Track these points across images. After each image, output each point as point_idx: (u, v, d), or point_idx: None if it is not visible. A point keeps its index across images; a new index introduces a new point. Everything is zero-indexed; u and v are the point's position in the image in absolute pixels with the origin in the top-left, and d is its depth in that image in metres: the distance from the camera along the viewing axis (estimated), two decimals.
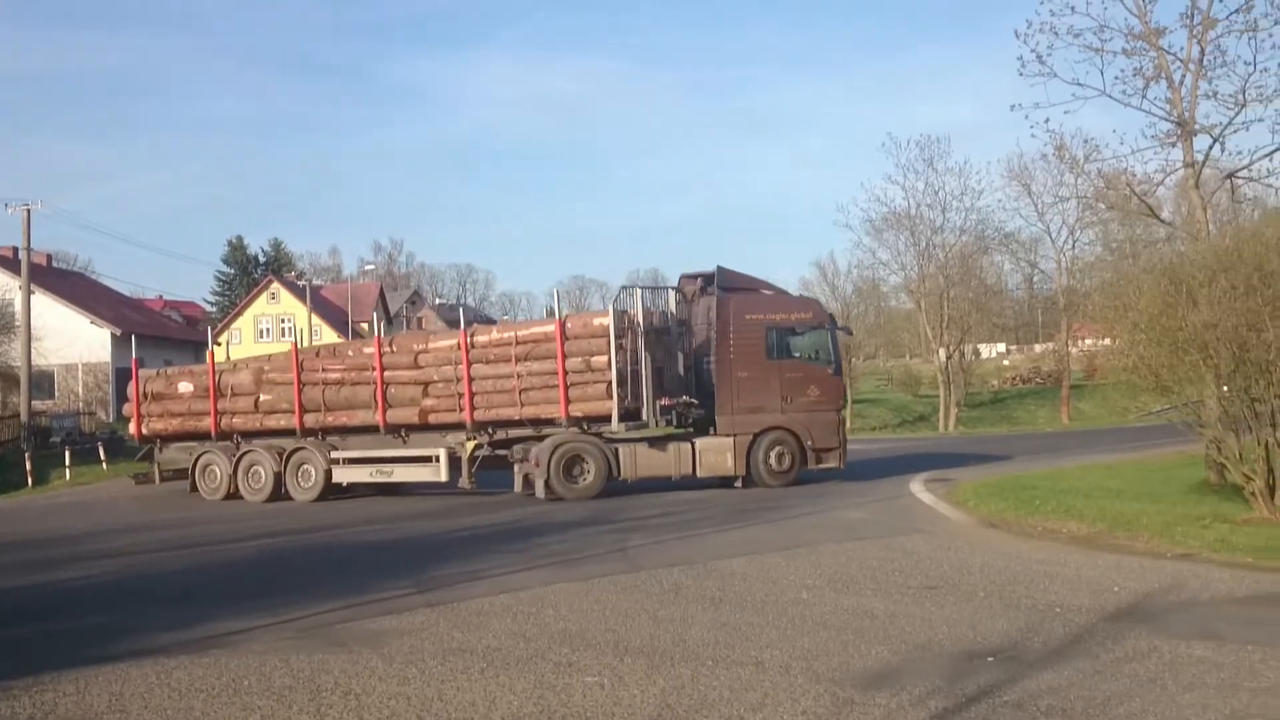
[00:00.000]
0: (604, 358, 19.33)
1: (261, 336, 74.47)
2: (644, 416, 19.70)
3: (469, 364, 20.32)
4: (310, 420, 21.74)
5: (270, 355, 24.72)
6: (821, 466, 20.48)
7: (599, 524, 15.26)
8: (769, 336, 20.48)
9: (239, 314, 77.76)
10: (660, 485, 20.39)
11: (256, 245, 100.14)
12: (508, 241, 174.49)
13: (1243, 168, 19.25)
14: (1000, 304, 62.86)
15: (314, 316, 67.02)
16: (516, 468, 20.09)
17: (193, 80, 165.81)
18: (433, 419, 20.85)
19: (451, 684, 6.69)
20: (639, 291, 21.27)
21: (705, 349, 20.80)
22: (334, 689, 6.64)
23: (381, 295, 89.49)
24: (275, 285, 78.18)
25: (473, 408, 20.24)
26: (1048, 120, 19.26)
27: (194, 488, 22.29)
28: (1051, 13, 18.52)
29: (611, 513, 16.61)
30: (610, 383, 19.29)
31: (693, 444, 20.11)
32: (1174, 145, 18.83)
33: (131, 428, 24.09)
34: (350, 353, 22.75)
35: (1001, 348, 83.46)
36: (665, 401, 19.91)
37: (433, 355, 21.08)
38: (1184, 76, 18.45)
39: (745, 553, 11.89)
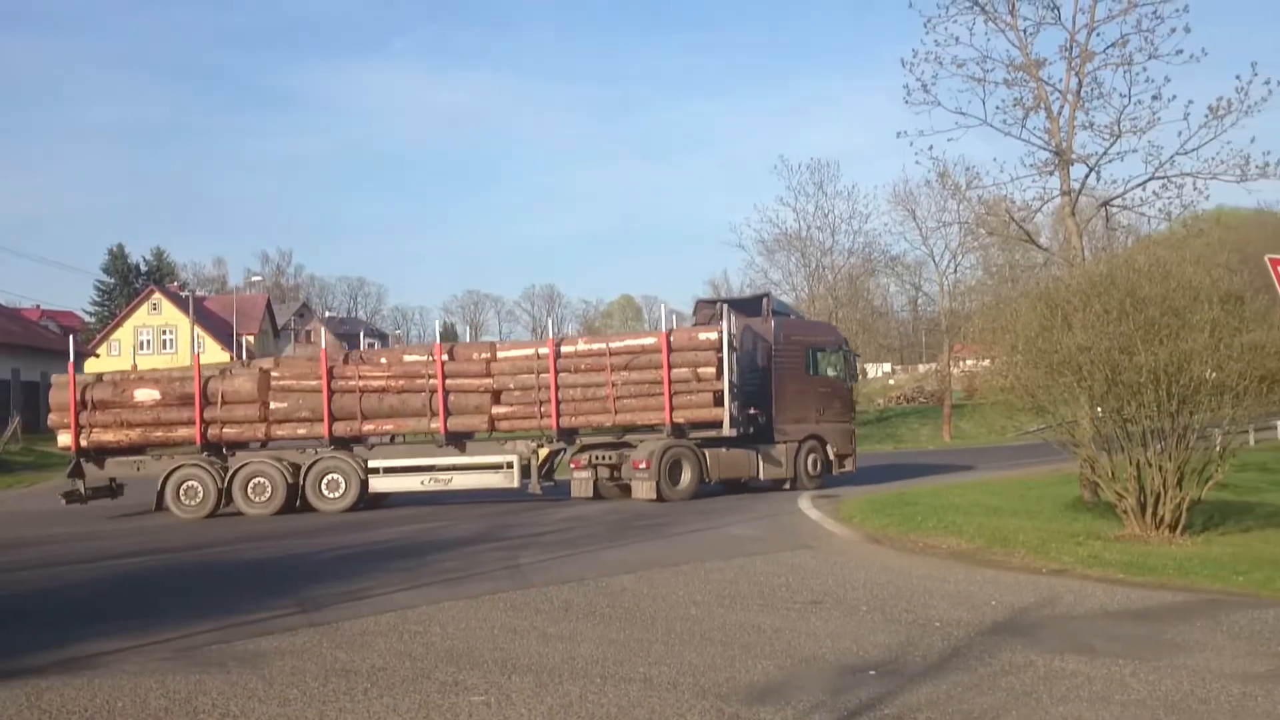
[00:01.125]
0: (712, 369, 20.60)
1: (142, 348, 72.34)
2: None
3: (556, 372, 20.78)
4: (341, 429, 20.98)
5: (276, 360, 23.52)
6: (841, 471, 23.31)
7: (489, 541, 15.14)
8: (807, 356, 23.19)
9: (118, 325, 75.46)
10: (550, 503, 20.81)
11: (138, 254, 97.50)
12: (401, 255, 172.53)
13: (1117, 196, 20.09)
14: (886, 325, 64.53)
15: (197, 328, 65.19)
16: (584, 473, 21.55)
17: (72, 84, 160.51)
18: (504, 426, 21.38)
19: (334, 705, 6.56)
20: (725, 308, 22.79)
21: (747, 364, 22.36)
22: (211, 710, 6.45)
23: (269, 307, 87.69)
24: (157, 296, 76.12)
25: (559, 414, 20.73)
26: (931, 147, 19.88)
27: (159, 505, 20.49)
28: (936, 43, 19.15)
29: (502, 529, 16.51)
30: (719, 391, 20.67)
31: (758, 450, 21.93)
32: (1052, 174, 19.60)
33: (64, 439, 21.34)
34: (391, 360, 22.39)
35: (887, 367, 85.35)
36: (752, 410, 21.78)
37: (508, 364, 21.36)
38: (1062, 107, 19.21)
39: (635, 569, 11.92)
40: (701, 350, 20.75)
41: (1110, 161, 19.34)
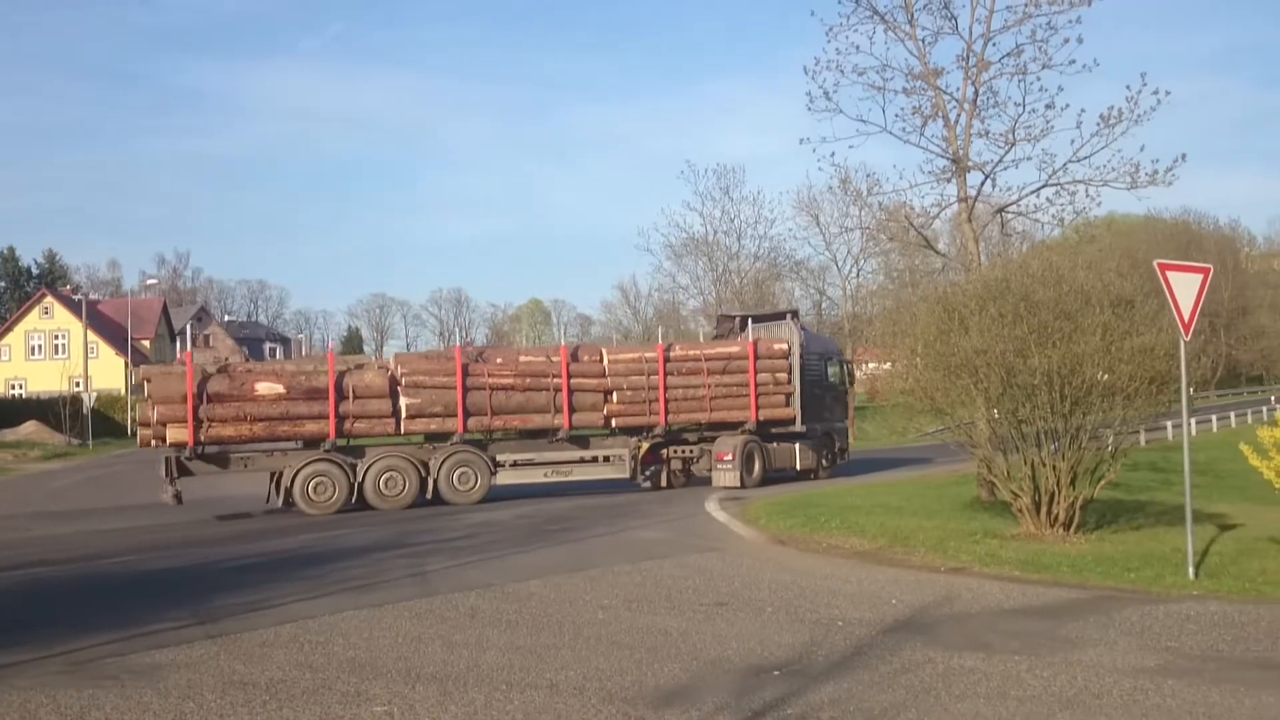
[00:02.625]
0: (785, 374, 24.54)
1: (33, 353, 69.97)
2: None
3: (665, 374, 23.16)
4: (473, 424, 21.84)
5: (397, 357, 23.29)
6: (840, 463, 26.74)
7: (396, 548, 14.93)
8: (822, 365, 26.25)
9: (9, 329, 72.80)
10: (461, 508, 20.72)
11: (29, 257, 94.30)
12: (304, 258, 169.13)
13: (1012, 203, 20.59)
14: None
15: (90, 332, 63.19)
16: (676, 464, 24.27)
17: None
18: (617, 423, 23.24)
19: (231, 718, 6.41)
20: (796, 323, 26.20)
21: None
22: None
23: (165, 311, 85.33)
24: (49, 299, 73.55)
25: (667, 412, 23.25)
26: (834, 154, 20.21)
27: (287, 502, 20.52)
28: (838, 51, 19.45)
29: (409, 536, 16.30)
30: (790, 394, 24.50)
31: (795, 445, 24.93)
32: (949, 180, 20.03)
33: (174, 434, 20.05)
34: (507, 360, 23.30)
35: None
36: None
37: (621, 365, 23.31)
38: (959, 116, 19.66)
39: (544, 574, 11.88)
40: (777, 358, 24.48)
41: (1005, 169, 19.87)
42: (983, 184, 20.08)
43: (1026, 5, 18.66)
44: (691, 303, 60.03)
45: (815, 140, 19.87)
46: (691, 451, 24.32)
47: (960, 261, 21.67)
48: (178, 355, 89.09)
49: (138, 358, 69.87)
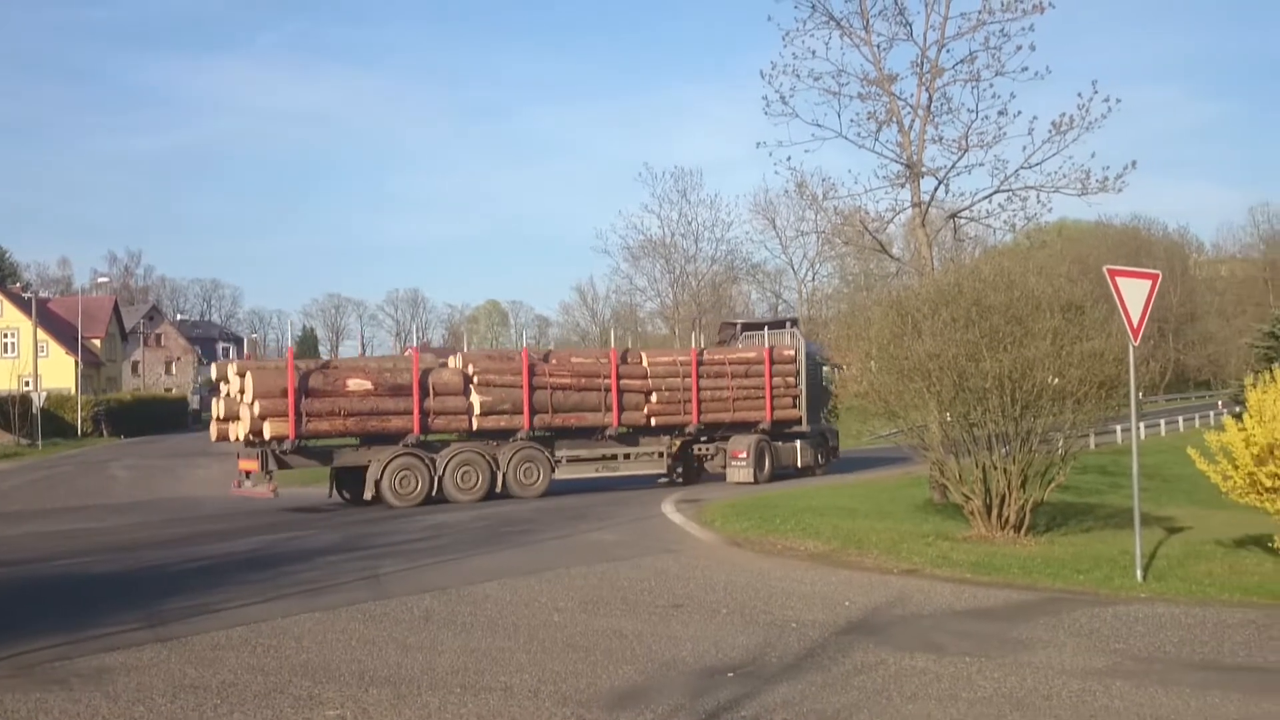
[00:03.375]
0: (793, 378, 26.37)
1: None
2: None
3: (698, 377, 24.90)
4: (537, 421, 23.17)
5: (465, 356, 23.96)
6: (834, 460, 28.35)
7: (350, 550, 14.83)
8: (818, 369, 27.42)
9: None
10: (417, 510, 20.64)
11: None
12: (258, 257, 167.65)
13: (965, 208, 20.85)
14: None
15: (40, 331, 62.09)
16: (705, 461, 25.97)
17: None
18: (655, 421, 24.79)
19: None
20: (798, 331, 28.63)
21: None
22: None
23: (116, 310, 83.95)
24: None
25: (699, 412, 24.97)
26: (790, 158, 20.29)
27: (376, 496, 21.23)
28: (794, 56, 19.60)
29: (364, 539, 16.19)
30: (798, 396, 26.36)
31: (797, 444, 26.40)
32: (903, 186, 20.24)
33: (275, 428, 20.51)
34: (571, 359, 25.07)
35: None
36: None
37: (660, 368, 25.09)
38: (913, 122, 19.87)
39: (499, 576, 11.85)
40: (787, 363, 26.39)
41: (958, 174, 20.11)
42: (936, 189, 20.36)
43: (980, 12, 18.94)
44: (649, 304, 60.29)
45: (772, 144, 20.04)
46: (706, 449, 25.89)
47: (914, 266, 21.89)
48: (129, 354, 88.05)
49: (88, 356, 68.89)
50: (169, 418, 65.82)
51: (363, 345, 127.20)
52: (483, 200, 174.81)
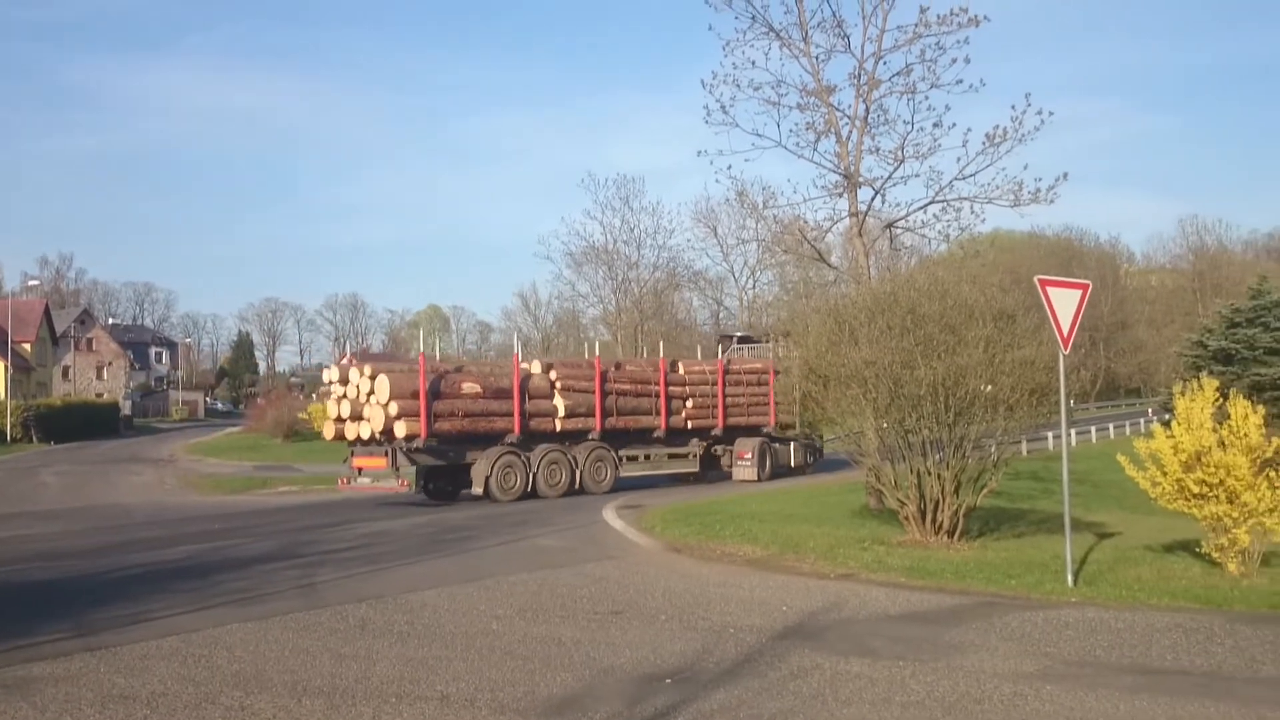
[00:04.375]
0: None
1: None
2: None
3: (724, 385, 27.90)
4: (607, 424, 25.45)
5: (544, 363, 26.18)
6: (820, 459, 30.64)
7: (285, 559, 14.63)
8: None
9: None
10: (356, 517, 20.34)
11: None
12: (193, 260, 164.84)
13: (900, 218, 21.12)
14: (690, 338, 65.68)
15: None
16: (723, 460, 28.20)
17: None
18: (691, 425, 27.50)
19: None
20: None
21: None
22: None
23: (47, 313, 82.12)
24: None
25: (725, 416, 27.80)
26: (730, 167, 20.51)
27: (486, 493, 23.02)
28: (735, 66, 19.77)
29: (300, 547, 15.98)
30: (795, 403, 27.17)
31: (791, 446, 28.92)
32: (841, 195, 20.46)
33: (408, 428, 22.26)
34: (626, 368, 27.33)
35: None
36: None
37: (693, 376, 27.91)
38: (850, 132, 20.10)
39: (437, 584, 11.77)
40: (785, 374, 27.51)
41: (895, 185, 20.36)
42: (873, 199, 20.57)
43: (916, 26, 19.18)
44: (591, 311, 60.26)
45: (713, 153, 20.22)
46: (717, 450, 28.26)
47: (852, 275, 22.13)
48: (59, 359, 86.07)
49: (18, 361, 67.28)
50: (100, 423, 64.58)
51: (300, 351, 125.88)
52: (424, 205, 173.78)
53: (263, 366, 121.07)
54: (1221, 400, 11.98)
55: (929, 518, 14.30)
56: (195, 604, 10.80)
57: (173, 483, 33.87)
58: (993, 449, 14.60)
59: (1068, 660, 8.07)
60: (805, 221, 21.61)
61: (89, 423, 61.72)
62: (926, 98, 19.23)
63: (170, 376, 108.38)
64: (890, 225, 21.78)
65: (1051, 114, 18.81)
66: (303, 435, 52.59)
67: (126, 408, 78.67)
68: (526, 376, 24.50)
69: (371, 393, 22.63)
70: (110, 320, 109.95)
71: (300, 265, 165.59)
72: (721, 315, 67.67)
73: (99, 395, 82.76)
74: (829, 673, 7.62)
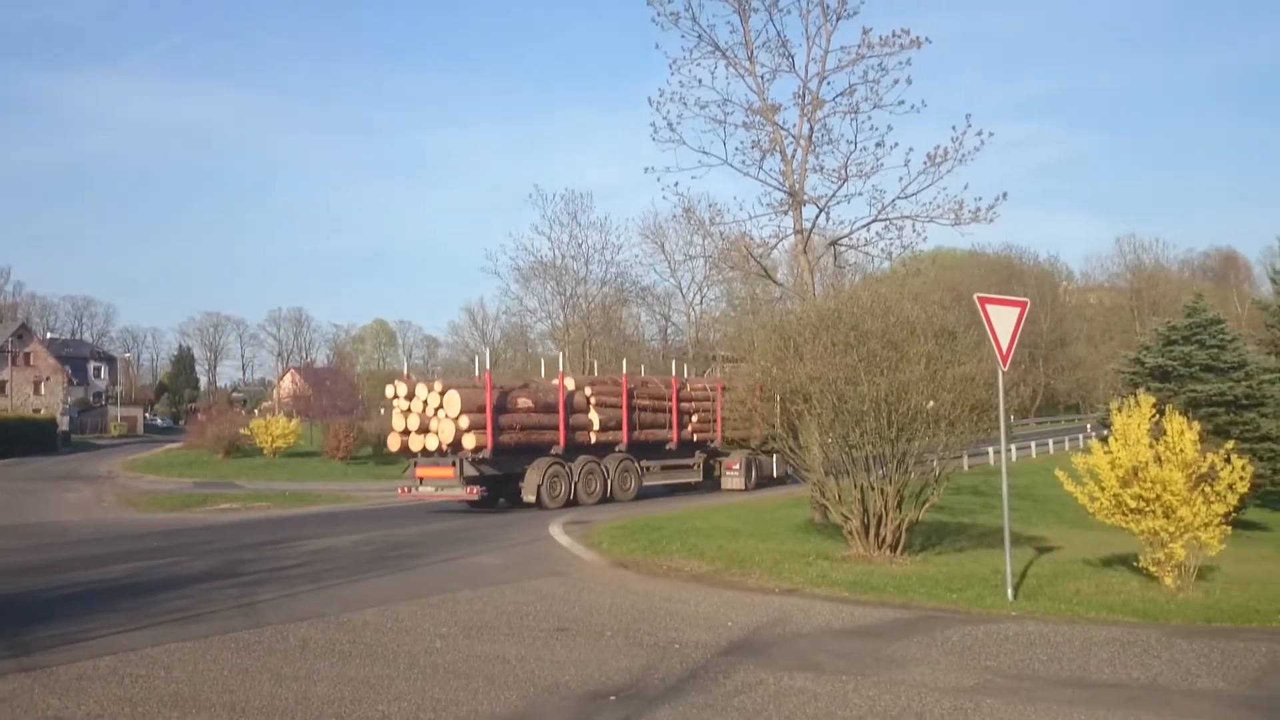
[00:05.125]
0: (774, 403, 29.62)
1: None
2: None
3: (720, 402, 28.79)
4: (632, 437, 27.52)
5: (576, 380, 27.83)
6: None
7: (226, 577, 14.40)
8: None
9: None
10: (294, 535, 20.11)
11: None
12: (132, 274, 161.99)
13: (844, 236, 21.33)
14: (638, 353, 65.67)
15: None
16: (716, 470, 30.27)
17: None
18: (696, 438, 29.69)
19: None
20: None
21: None
22: None
23: None
24: None
25: (722, 430, 29.12)
26: (677, 184, 20.60)
27: (538, 501, 24.68)
28: (681, 84, 19.90)
29: (241, 565, 15.75)
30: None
31: (774, 458, 29.59)
32: (786, 213, 20.65)
33: (475, 439, 24.06)
34: (644, 385, 29.15)
35: None
36: None
37: (698, 392, 30.15)
38: (795, 151, 20.30)
39: (380, 603, 11.65)
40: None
41: (838, 203, 20.59)
42: (817, 217, 20.78)
43: (859, 47, 19.44)
44: (539, 326, 60.03)
45: (660, 170, 20.31)
46: (713, 462, 30.34)
47: (797, 291, 22.32)
48: None
49: None
50: (37, 440, 63.32)
51: (243, 366, 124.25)
52: (370, 219, 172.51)
53: (204, 381, 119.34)
54: (1158, 416, 12.21)
55: (872, 532, 14.43)
56: (133, 623, 10.60)
57: (111, 500, 33.26)
58: (935, 464, 14.77)
59: (1007, 674, 8.17)
60: (751, 238, 21.81)
61: (25, 439, 60.52)
62: (869, 117, 19.51)
63: (109, 392, 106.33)
64: (834, 243, 22.00)
65: (991, 134, 19.15)
66: (244, 451, 51.93)
67: (64, 424, 77.13)
68: (570, 393, 26.36)
69: (440, 407, 24.35)
70: (48, 334, 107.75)
71: (243, 279, 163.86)
72: (669, 331, 67.84)
73: (36, 411, 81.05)
74: (773, 688, 7.66)
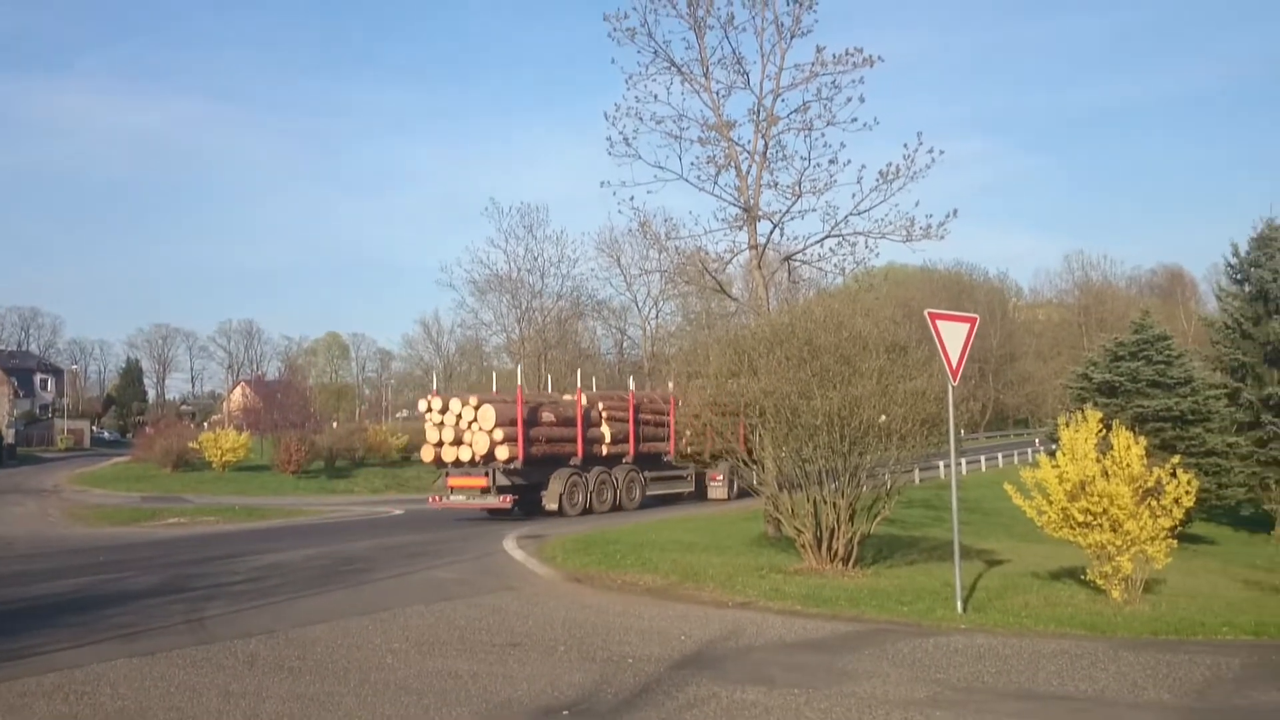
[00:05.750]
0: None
1: None
2: None
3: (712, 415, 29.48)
4: (638, 449, 28.91)
5: (601, 394, 29.88)
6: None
7: (173, 592, 14.20)
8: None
9: None
10: (243, 549, 19.84)
11: None
12: (81, 285, 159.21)
13: (799, 251, 21.53)
14: (594, 367, 65.73)
15: None
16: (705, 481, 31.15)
17: None
18: (690, 450, 28.14)
19: None
20: None
21: None
22: None
23: None
24: None
25: (712, 444, 29.14)
26: (633, 198, 20.70)
27: (560, 509, 26.39)
28: (637, 99, 20.02)
29: (190, 580, 15.53)
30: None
31: (755, 470, 29.80)
32: (741, 229, 20.80)
33: (508, 451, 25.67)
34: (645, 400, 30.51)
35: None
36: None
37: (690, 406, 29.92)
38: (750, 167, 20.47)
39: (331, 618, 11.55)
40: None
41: (793, 219, 20.79)
42: (771, 233, 20.98)
43: (813, 65, 19.67)
44: (495, 339, 59.85)
45: (616, 184, 20.38)
46: (701, 473, 30.98)
47: (751, 306, 22.46)
48: None
49: None
50: None
51: (192, 379, 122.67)
52: (325, 230, 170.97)
53: (152, 394, 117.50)
54: (1105, 431, 12.41)
55: (825, 545, 14.52)
56: (79, 639, 10.42)
57: (57, 514, 32.68)
58: (886, 478, 14.90)
59: (956, 686, 8.25)
60: (706, 253, 21.93)
61: None
62: (823, 135, 19.73)
63: (56, 404, 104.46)
64: (789, 258, 22.18)
65: (943, 152, 19.43)
66: (192, 465, 51.22)
67: (9, 436, 75.50)
68: (588, 408, 28.02)
69: (475, 420, 25.91)
70: None
71: (194, 291, 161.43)
72: (625, 345, 67.93)
73: None
74: (725, 702, 7.68)
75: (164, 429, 57.53)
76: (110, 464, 58.59)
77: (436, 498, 27.38)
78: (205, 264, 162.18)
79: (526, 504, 26.87)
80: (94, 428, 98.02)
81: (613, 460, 28.65)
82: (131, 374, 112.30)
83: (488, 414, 25.70)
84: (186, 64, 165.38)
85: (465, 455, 25.89)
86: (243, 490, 43.87)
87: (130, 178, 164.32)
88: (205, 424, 73.02)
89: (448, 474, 26.60)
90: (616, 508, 28.08)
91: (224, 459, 50.08)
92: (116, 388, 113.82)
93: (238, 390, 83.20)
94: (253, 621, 11.49)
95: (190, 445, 51.91)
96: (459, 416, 26.06)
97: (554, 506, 26.46)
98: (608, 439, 28.34)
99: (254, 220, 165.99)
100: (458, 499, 26.57)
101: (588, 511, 26.95)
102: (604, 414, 28.54)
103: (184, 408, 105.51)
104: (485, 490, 25.83)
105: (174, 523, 29.00)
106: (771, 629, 10.72)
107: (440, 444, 26.29)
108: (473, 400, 26.33)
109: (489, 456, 25.59)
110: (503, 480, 25.81)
